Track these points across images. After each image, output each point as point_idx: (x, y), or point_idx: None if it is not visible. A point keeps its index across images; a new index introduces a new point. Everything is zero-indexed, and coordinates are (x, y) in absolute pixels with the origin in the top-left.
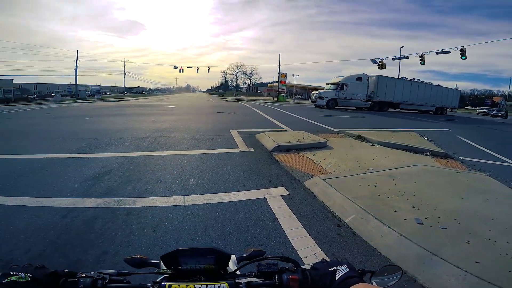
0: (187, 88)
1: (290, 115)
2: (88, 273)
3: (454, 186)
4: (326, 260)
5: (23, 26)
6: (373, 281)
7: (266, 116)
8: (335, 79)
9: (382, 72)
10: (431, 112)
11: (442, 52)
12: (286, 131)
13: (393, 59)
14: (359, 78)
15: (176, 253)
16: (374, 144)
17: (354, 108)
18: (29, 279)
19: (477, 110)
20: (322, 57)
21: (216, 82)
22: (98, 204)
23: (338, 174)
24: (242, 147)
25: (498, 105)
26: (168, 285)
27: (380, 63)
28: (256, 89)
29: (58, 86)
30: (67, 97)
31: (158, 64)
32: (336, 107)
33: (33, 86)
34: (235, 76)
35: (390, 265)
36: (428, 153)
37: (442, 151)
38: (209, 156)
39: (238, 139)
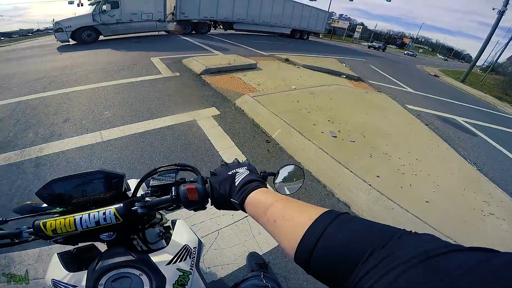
0: None
1: (223, 40)
2: None
3: (361, 103)
4: (226, 163)
5: None
6: (281, 186)
7: (195, 42)
8: None
9: (313, 4)
10: (285, 36)
11: None
12: (217, 55)
13: None
14: None
15: (54, 186)
16: (299, 67)
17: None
18: None
19: (369, 44)
20: None
21: None
22: None
23: (266, 92)
24: (165, 73)
25: (406, 45)
26: (43, 222)
27: None
28: None
29: None
30: None
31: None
32: (105, 37)
33: None
34: None
35: (291, 164)
36: (344, 76)
37: (356, 75)
38: (126, 86)
39: (160, 66)
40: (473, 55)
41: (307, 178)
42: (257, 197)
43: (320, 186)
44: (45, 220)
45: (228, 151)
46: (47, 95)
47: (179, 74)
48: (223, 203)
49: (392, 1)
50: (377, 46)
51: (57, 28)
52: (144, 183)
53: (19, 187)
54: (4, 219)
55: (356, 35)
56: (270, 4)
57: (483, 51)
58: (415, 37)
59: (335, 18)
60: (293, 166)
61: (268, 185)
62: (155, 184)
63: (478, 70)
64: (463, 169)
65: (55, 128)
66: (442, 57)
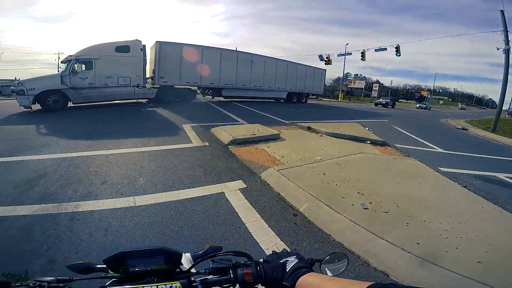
0: None
1: (246, 108)
2: (24, 281)
3: (391, 171)
4: (276, 252)
5: None
6: (326, 269)
7: (222, 109)
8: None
9: (327, 68)
10: (282, 101)
11: (380, 49)
12: (242, 124)
13: (338, 55)
14: (121, 48)
15: (121, 256)
16: (322, 135)
17: (120, 100)
18: None
19: (376, 102)
20: (276, 52)
21: None
22: (34, 211)
23: (290, 164)
24: (196, 141)
25: (426, 99)
26: None
27: (327, 59)
28: None
29: None
30: None
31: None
32: (74, 104)
33: None
34: None
35: (336, 252)
36: (369, 142)
37: (380, 139)
38: (160, 153)
39: (191, 134)
40: (495, 99)
41: (340, 249)
42: (307, 279)
43: (354, 256)
44: (117, 287)
45: (255, 224)
46: (89, 155)
47: (208, 144)
48: (273, 286)
49: (402, 55)
50: (384, 102)
51: (19, 90)
52: (190, 258)
53: (50, 236)
54: (70, 278)
55: (374, 93)
56: (261, 65)
57: (505, 94)
58: (432, 88)
59: (351, 78)
60: (337, 253)
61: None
62: (215, 266)
63: (506, 115)
64: None
65: (93, 189)
66: (459, 106)
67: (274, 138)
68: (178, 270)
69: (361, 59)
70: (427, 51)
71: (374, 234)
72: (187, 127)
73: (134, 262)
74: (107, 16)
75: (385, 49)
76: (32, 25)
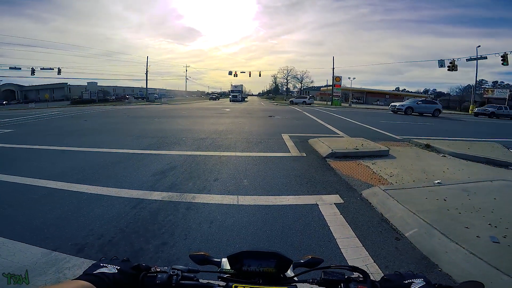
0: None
1: (346, 120)
2: (162, 268)
3: None
4: (399, 272)
5: (101, 34)
6: None
7: (319, 120)
8: None
9: (452, 75)
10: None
11: None
12: (342, 137)
13: (467, 60)
14: None
15: (242, 255)
16: (445, 155)
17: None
18: (116, 271)
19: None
20: (380, 59)
21: (266, 86)
22: (163, 197)
23: (401, 185)
24: (293, 151)
25: None
26: (235, 286)
27: (450, 65)
28: (307, 92)
29: (132, 89)
30: (139, 99)
31: (214, 69)
32: None
33: (112, 89)
34: (285, 80)
35: (471, 281)
36: None
37: None
38: (261, 159)
39: (289, 144)
40: None
41: (446, 280)
42: None
43: None
44: (236, 284)
45: (347, 241)
46: (207, 155)
47: (305, 155)
48: None
49: None
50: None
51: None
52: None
53: (169, 221)
54: (197, 269)
55: None
56: None
57: None
58: None
59: (487, 86)
60: (472, 281)
61: None
62: (327, 278)
63: None
64: None
65: (207, 184)
66: None
67: (381, 154)
68: (282, 275)
69: (502, 63)
70: None
71: (498, 270)
72: (286, 137)
73: (250, 262)
74: (219, 37)
75: None
76: (165, 43)
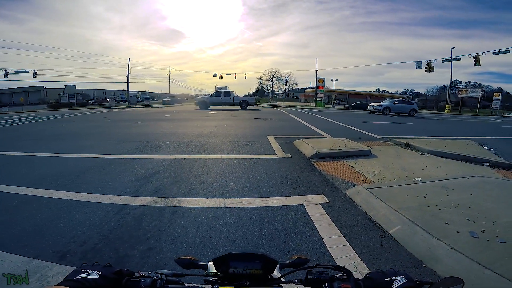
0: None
1: (330, 121)
2: (146, 272)
3: None
4: (381, 271)
5: (80, 36)
6: None
7: (304, 122)
8: None
9: (428, 76)
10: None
11: (500, 52)
12: (326, 138)
13: (443, 61)
14: None
15: (227, 257)
16: (424, 153)
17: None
18: (98, 276)
19: None
20: (362, 61)
21: (252, 88)
22: (148, 202)
23: (383, 183)
24: (279, 153)
25: None
26: None
27: (427, 66)
28: (292, 94)
29: (113, 92)
30: (120, 102)
31: (199, 71)
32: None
33: (92, 92)
34: (271, 82)
35: (450, 277)
36: (488, 164)
37: (505, 161)
38: (247, 161)
39: (275, 145)
40: None
41: (431, 277)
42: None
43: None
44: (223, 287)
45: (333, 240)
46: (192, 158)
47: (290, 156)
48: None
49: None
50: None
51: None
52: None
53: (155, 226)
54: (183, 273)
55: (495, 104)
56: None
57: None
58: None
59: (461, 86)
60: (452, 277)
61: None
62: (311, 278)
63: None
64: None
65: (192, 188)
66: None
67: (364, 154)
68: (269, 276)
69: (475, 64)
70: None
71: (480, 264)
72: (271, 138)
73: (236, 264)
74: (203, 39)
75: (508, 51)
76: (148, 44)
